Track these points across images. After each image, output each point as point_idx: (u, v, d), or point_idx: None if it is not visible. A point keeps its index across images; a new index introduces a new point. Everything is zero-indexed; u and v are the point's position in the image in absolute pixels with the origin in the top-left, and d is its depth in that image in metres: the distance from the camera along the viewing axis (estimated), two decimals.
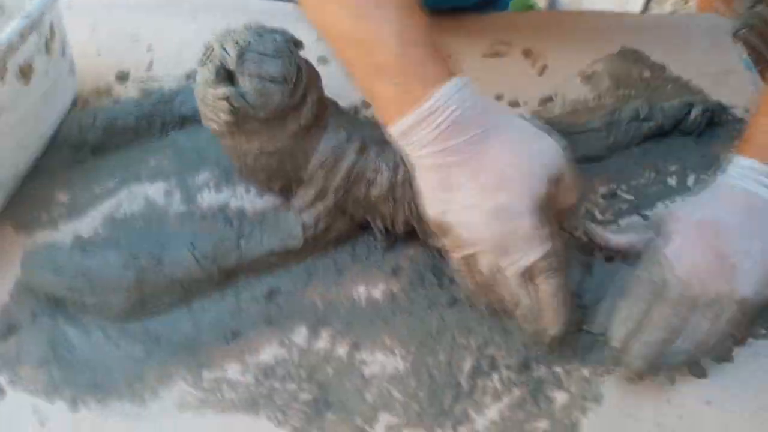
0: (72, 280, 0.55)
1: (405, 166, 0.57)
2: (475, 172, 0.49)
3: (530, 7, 1.62)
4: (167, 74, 0.79)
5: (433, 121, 0.48)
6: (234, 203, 0.66)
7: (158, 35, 0.84)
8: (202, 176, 0.68)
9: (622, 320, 0.52)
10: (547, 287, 0.50)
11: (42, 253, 0.57)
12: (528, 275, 0.49)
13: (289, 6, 0.88)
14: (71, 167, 0.69)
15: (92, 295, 0.55)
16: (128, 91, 0.77)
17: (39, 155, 0.68)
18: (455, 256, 0.53)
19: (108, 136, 0.69)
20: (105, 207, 0.65)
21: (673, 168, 0.70)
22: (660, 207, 0.66)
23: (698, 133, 0.72)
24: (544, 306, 0.50)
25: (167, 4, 0.88)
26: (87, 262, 0.56)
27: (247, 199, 0.67)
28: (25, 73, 0.62)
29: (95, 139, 0.69)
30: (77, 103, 0.75)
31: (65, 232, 0.63)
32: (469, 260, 0.52)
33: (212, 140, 0.71)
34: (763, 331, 0.57)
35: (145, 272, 0.56)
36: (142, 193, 0.67)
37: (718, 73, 0.81)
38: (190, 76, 0.79)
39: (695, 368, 0.54)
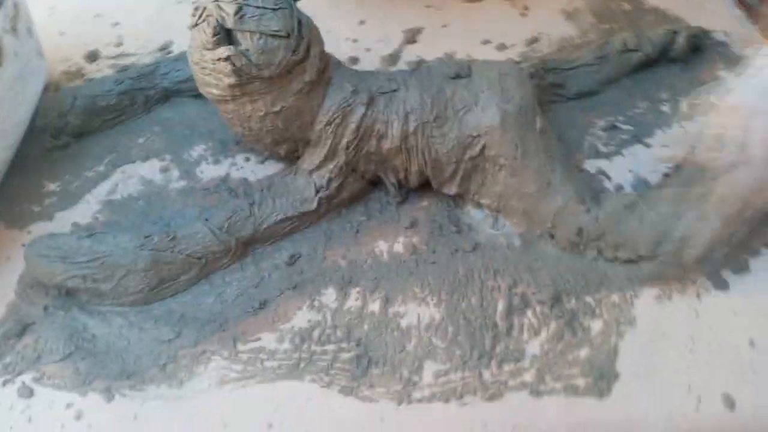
0: (85, 267, 0.52)
1: (415, 113, 0.56)
2: None
3: None
4: (140, 49, 0.75)
5: None
6: (235, 173, 0.64)
7: (123, 10, 0.80)
8: (197, 150, 0.66)
9: None
10: None
11: (47, 242, 0.53)
12: None
13: None
14: (54, 154, 0.65)
15: (108, 280, 0.53)
16: (100, 71, 0.73)
17: (19, 144, 0.64)
18: None
19: (89, 118, 0.66)
20: (99, 191, 0.62)
21: (664, 95, 0.71)
22: (659, 134, 0.67)
23: (684, 59, 0.73)
24: None
25: None
26: (98, 247, 0.53)
27: (248, 168, 0.64)
28: None
29: (76, 121, 0.65)
30: (47, 87, 0.70)
31: (61, 222, 0.60)
32: None
33: (201, 112, 0.68)
34: None
35: (160, 251, 0.54)
36: (136, 173, 0.63)
37: (694, 0, 0.82)
38: (165, 47, 0.75)
39: (718, 281, 0.56)
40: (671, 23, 0.78)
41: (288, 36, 0.52)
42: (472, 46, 0.76)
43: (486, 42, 0.77)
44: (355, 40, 0.77)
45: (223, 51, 0.51)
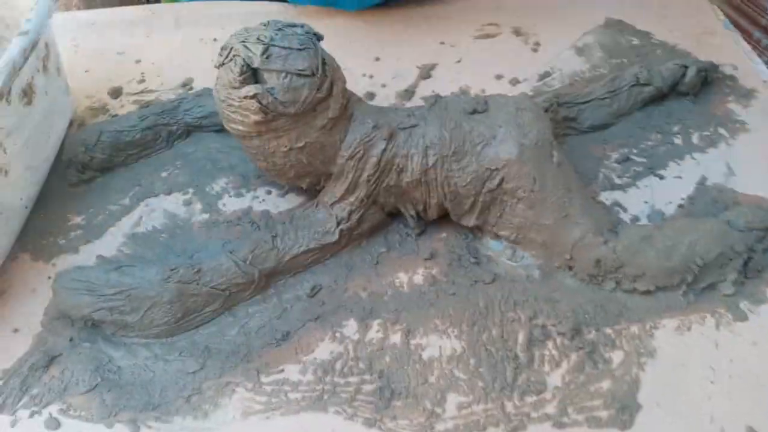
0: (111, 299, 0.53)
1: (435, 148, 0.57)
2: None
3: None
4: (161, 85, 0.77)
5: None
6: (257, 206, 0.65)
7: (144, 48, 0.82)
8: (219, 183, 0.67)
9: None
10: None
11: (75, 275, 0.54)
12: None
13: (275, 6, 0.87)
14: (79, 188, 0.66)
15: (134, 312, 0.53)
16: (124, 107, 0.75)
17: (45, 179, 0.65)
18: None
19: (114, 152, 0.67)
20: (124, 224, 0.63)
21: (676, 128, 0.73)
22: (672, 165, 0.68)
23: (695, 93, 0.75)
24: None
25: (149, 17, 0.86)
26: (124, 279, 0.54)
27: (270, 200, 0.66)
28: (27, 93, 0.60)
29: (102, 156, 0.67)
30: (72, 123, 0.72)
31: (86, 254, 0.61)
32: None
33: (222, 147, 0.70)
34: None
35: (185, 284, 0.54)
36: (160, 207, 0.65)
37: (701, 34, 0.84)
38: (186, 84, 0.77)
39: (737, 312, 0.56)
40: (680, 57, 0.79)
41: (313, 74, 0.54)
42: (486, 81, 0.78)
43: (499, 77, 0.79)
44: (371, 76, 0.79)
45: (250, 89, 0.53)
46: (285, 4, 0.88)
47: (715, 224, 0.58)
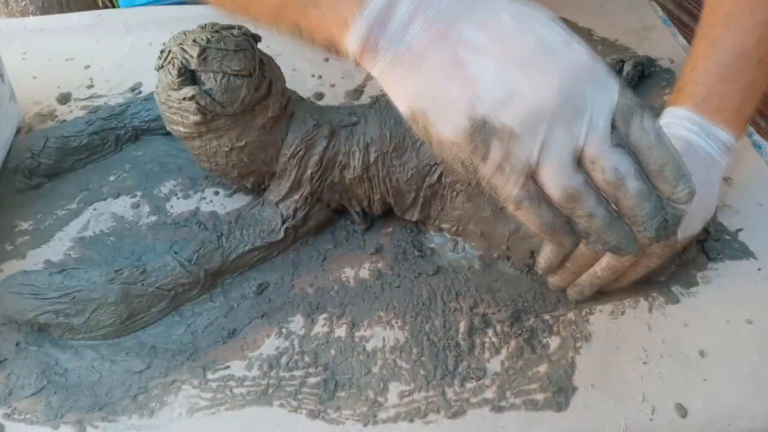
0: (57, 302, 0.54)
1: (375, 144, 0.59)
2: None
3: None
4: (110, 90, 0.78)
5: None
6: (205, 207, 0.66)
7: (94, 53, 0.82)
8: (167, 186, 0.68)
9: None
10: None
11: (20, 279, 0.54)
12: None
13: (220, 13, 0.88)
14: (27, 194, 0.66)
15: (80, 315, 0.54)
16: (72, 112, 0.75)
17: None
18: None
19: (62, 158, 0.68)
20: (71, 228, 0.64)
21: None
22: None
23: (632, 86, 0.78)
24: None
25: (98, 23, 0.86)
26: (69, 282, 0.54)
27: (217, 201, 0.67)
28: None
29: (49, 161, 0.67)
30: (20, 130, 0.72)
31: (33, 259, 0.61)
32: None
33: (170, 150, 0.71)
34: (720, 256, 0.62)
35: (130, 285, 0.55)
36: (108, 210, 0.65)
37: (640, 30, 0.87)
38: (135, 89, 0.78)
39: (669, 296, 0.58)
40: (620, 52, 0.82)
41: (250, 75, 0.55)
42: None
43: None
44: (320, 77, 0.80)
45: (188, 91, 0.53)
46: None
47: None
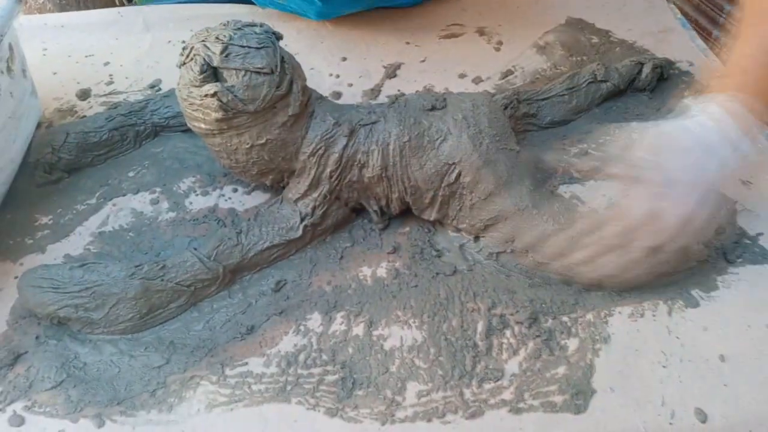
0: (77, 296, 0.54)
1: (395, 143, 0.59)
2: None
3: None
4: (130, 87, 0.78)
5: None
6: (223, 204, 0.66)
7: (113, 50, 0.83)
8: (186, 182, 0.68)
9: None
10: None
11: (40, 273, 0.55)
12: None
13: (243, 8, 0.89)
14: (47, 188, 0.67)
15: (99, 309, 0.54)
16: (92, 108, 0.75)
17: (12, 180, 0.66)
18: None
19: (81, 153, 0.68)
20: (91, 223, 0.64)
21: (633, 123, 0.75)
22: None
23: (651, 88, 0.77)
24: None
25: (118, 20, 0.87)
26: (89, 276, 0.55)
27: (236, 198, 0.67)
28: None
29: (69, 157, 0.67)
30: (40, 124, 0.73)
31: (53, 254, 0.62)
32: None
33: (189, 146, 0.71)
34: (740, 260, 0.62)
35: (150, 280, 0.55)
36: (127, 206, 0.66)
37: (659, 32, 0.86)
38: (155, 86, 0.78)
39: (689, 299, 0.58)
40: (638, 54, 0.82)
41: (272, 72, 0.55)
42: (450, 80, 0.80)
43: (462, 75, 0.80)
44: (338, 76, 0.80)
45: (210, 88, 0.54)
46: (253, 6, 0.89)
47: None
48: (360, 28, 0.87)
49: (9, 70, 0.64)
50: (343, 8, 0.84)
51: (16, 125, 0.65)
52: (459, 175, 0.58)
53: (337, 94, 0.78)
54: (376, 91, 0.78)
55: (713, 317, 0.57)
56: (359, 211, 0.65)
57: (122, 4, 1.08)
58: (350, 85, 0.79)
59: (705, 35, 0.93)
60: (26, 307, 0.56)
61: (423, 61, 0.83)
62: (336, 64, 0.82)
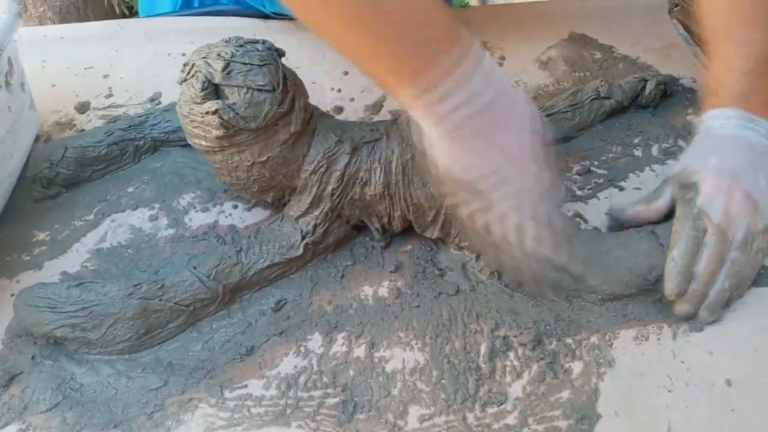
0: (73, 316, 0.53)
1: (397, 161, 0.58)
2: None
3: (464, 6, 1.67)
4: (129, 100, 0.77)
5: (468, 80, 0.47)
6: (223, 221, 0.65)
7: (113, 63, 0.83)
8: (186, 198, 0.67)
9: (675, 273, 0.56)
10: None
11: (37, 292, 0.54)
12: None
13: (245, 21, 0.88)
14: (44, 203, 0.66)
15: (96, 329, 0.53)
16: (91, 121, 0.75)
17: (9, 195, 0.65)
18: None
19: (80, 168, 0.67)
20: (89, 240, 0.63)
21: (636, 140, 0.74)
22: (632, 177, 0.70)
23: (654, 105, 0.77)
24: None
25: (118, 32, 0.86)
26: (86, 296, 0.54)
27: (236, 215, 0.66)
28: None
29: (67, 172, 0.66)
30: (38, 138, 0.72)
31: (50, 270, 0.61)
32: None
33: (189, 162, 0.70)
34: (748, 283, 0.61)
35: (148, 300, 0.54)
36: (125, 222, 0.65)
37: (662, 48, 0.86)
38: (155, 99, 0.77)
39: (693, 323, 0.57)
40: (641, 71, 0.81)
41: (274, 90, 0.54)
42: None
43: None
44: (339, 90, 0.80)
45: (211, 105, 0.53)
46: (254, 19, 0.88)
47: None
48: None
49: (7, 84, 0.63)
50: None
51: (14, 139, 0.65)
52: None
53: (339, 109, 0.77)
54: (377, 106, 0.78)
55: (719, 341, 0.56)
56: (361, 228, 0.64)
57: (123, 14, 1.08)
58: (352, 99, 0.79)
59: (707, 51, 0.93)
60: (22, 326, 0.55)
61: None
62: (338, 78, 0.82)
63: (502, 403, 0.52)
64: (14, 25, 0.61)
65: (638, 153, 0.73)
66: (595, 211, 0.66)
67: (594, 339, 0.57)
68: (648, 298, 0.58)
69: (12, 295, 0.58)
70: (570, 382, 0.54)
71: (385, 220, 0.62)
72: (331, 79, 0.81)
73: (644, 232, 0.60)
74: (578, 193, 0.68)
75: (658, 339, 0.56)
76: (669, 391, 0.53)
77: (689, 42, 0.88)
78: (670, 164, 0.71)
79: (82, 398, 0.52)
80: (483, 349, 0.56)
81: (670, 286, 0.56)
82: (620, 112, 0.77)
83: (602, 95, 0.75)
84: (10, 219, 0.64)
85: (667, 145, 0.73)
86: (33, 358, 0.54)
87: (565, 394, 0.53)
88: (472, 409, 0.52)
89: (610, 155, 0.73)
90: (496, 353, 0.55)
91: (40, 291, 0.54)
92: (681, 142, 0.74)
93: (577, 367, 0.55)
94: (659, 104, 0.78)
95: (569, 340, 0.56)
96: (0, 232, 0.63)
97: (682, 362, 0.55)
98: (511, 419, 0.51)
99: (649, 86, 0.76)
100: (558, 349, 0.56)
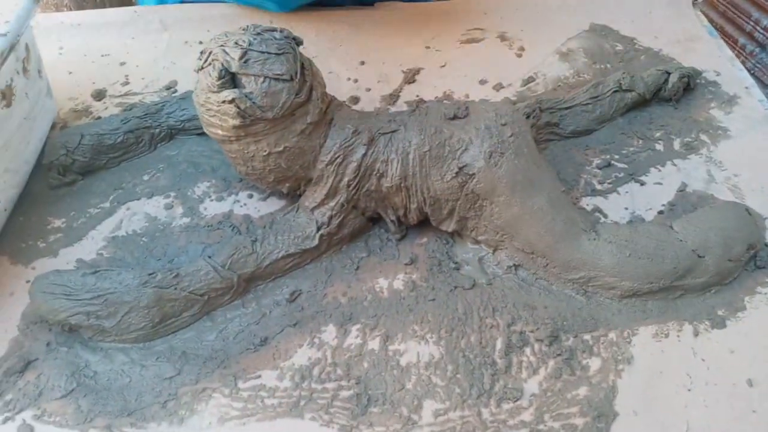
0: (89, 304, 0.53)
1: (414, 153, 0.57)
2: None
3: None
4: (145, 88, 0.77)
5: None
6: (238, 210, 0.65)
7: (130, 51, 0.82)
8: (201, 187, 0.67)
9: None
10: None
11: (52, 279, 0.54)
12: None
13: (260, 11, 0.87)
14: (60, 190, 0.66)
15: (111, 317, 0.53)
16: (107, 109, 0.74)
17: (26, 181, 0.65)
18: None
19: (96, 155, 0.67)
20: (104, 227, 0.63)
21: (658, 134, 0.73)
22: (653, 171, 0.69)
23: (677, 98, 0.75)
24: None
25: (135, 20, 0.86)
26: (102, 284, 0.54)
27: (251, 205, 0.66)
28: (6, 95, 0.59)
29: (83, 159, 0.66)
30: (54, 125, 0.72)
31: (65, 258, 0.61)
32: None
33: (205, 150, 0.70)
34: None
35: (163, 288, 0.54)
36: (141, 210, 0.65)
37: (685, 41, 0.84)
38: (170, 87, 0.77)
39: (715, 320, 0.56)
40: (663, 63, 0.80)
41: (291, 79, 0.54)
42: (470, 86, 0.78)
43: (483, 82, 0.79)
44: (356, 80, 0.79)
45: (228, 94, 0.52)
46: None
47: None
48: (379, 31, 0.86)
49: (25, 70, 0.63)
50: None
51: (31, 126, 0.65)
52: (479, 185, 0.57)
53: (355, 99, 0.76)
54: (394, 97, 0.77)
55: (741, 339, 0.55)
56: (376, 220, 0.63)
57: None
58: (368, 89, 0.78)
59: (731, 43, 0.91)
60: (38, 314, 0.55)
61: (443, 66, 0.81)
62: (354, 68, 0.81)
63: (517, 399, 0.52)
64: (31, 11, 0.61)
65: (660, 147, 0.71)
66: (615, 206, 0.65)
67: (612, 336, 0.56)
68: (668, 296, 0.57)
69: (27, 281, 0.58)
70: (587, 379, 0.53)
71: (401, 212, 0.61)
72: (347, 69, 0.80)
73: (661, 227, 0.59)
74: (598, 187, 0.67)
75: (678, 336, 0.55)
76: (688, 390, 0.52)
77: (713, 34, 0.86)
78: (692, 159, 0.70)
79: (97, 386, 0.52)
80: (499, 344, 0.55)
81: None
82: (642, 105, 0.75)
83: (624, 87, 0.73)
84: (26, 206, 0.64)
85: (690, 139, 0.72)
86: (48, 344, 0.54)
87: (582, 391, 0.52)
88: (488, 404, 0.51)
89: (631, 149, 0.71)
90: (512, 348, 0.55)
91: (55, 278, 0.54)
92: (703, 137, 0.72)
93: (594, 363, 0.54)
94: (681, 98, 0.76)
95: (587, 337, 0.56)
96: (16, 218, 0.63)
97: (703, 360, 0.54)
98: (526, 415, 0.51)
99: (672, 79, 0.74)
100: (575, 346, 0.55)
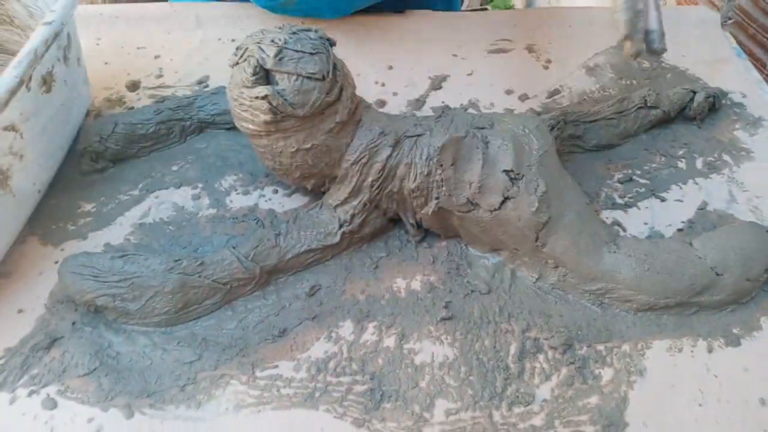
0: (115, 286, 0.55)
1: (438, 156, 0.58)
2: None
3: (509, 7, 1.66)
4: (178, 81, 0.79)
5: None
6: (263, 204, 0.66)
7: (164, 44, 0.84)
8: (228, 180, 0.69)
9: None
10: None
11: (81, 260, 0.56)
12: None
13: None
14: (92, 176, 0.68)
15: (136, 300, 0.55)
16: (140, 100, 0.77)
17: (59, 166, 0.67)
18: None
19: (128, 144, 0.69)
20: (132, 214, 0.65)
21: (680, 152, 0.73)
22: (674, 189, 0.69)
23: (702, 118, 0.76)
24: None
25: (171, 15, 0.88)
26: (129, 267, 0.55)
27: (276, 199, 0.67)
28: (47, 81, 0.61)
29: (116, 147, 0.68)
30: (89, 113, 0.74)
31: (94, 241, 0.63)
32: None
33: (233, 144, 0.72)
34: None
35: (188, 275, 0.56)
36: (169, 199, 0.66)
37: (713, 61, 0.84)
38: (202, 82, 0.79)
39: (730, 337, 0.56)
40: (689, 82, 0.80)
41: (323, 78, 0.55)
42: (496, 95, 0.79)
43: (509, 92, 0.80)
44: (383, 84, 0.80)
45: (262, 90, 0.54)
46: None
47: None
48: (408, 37, 0.87)
49: (65, 58, 0.65)
50: (357, 2, 0.84)
51: (67, 113, 0.67)
52: (505, 200, 0.58)
53: (382, 102, 0.78)
54: (420, 102, 0.78)
55: (755, 358, 0.56)
56: (397, 221, 0.65)
57: None
58: (395, 94, 0.79)
59: (759, 66, 0.91)
60: (65, 293, 0.56)
61: (470, 74, 0.82)
62: (382, 71, 0.82)
63: (528, 404, 0.52)
64: (76, 2, 0.63)
65: (682, 165, 0.72)
66: (635, 220, 0.66)
67: (626, 347, 0.56)
68: (684, 312, 0.58)
69: (56, 262, 0.60)
70: (599, 388, 0.53)
71: (420, 215, 0.62)
72: (375, 72, 0.82)
73: (681, 243, 0.59)
74: (618, 201, 0.68)
75: (692, 352, 0.56)
76: (700, 405, 0.53)
77: (741, 56, 0.86)
78: (714, 178, 0.70)
79: (118, 366, 0.53)
80: (513, 349, 0.56)
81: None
82: (666, 123, 0.76)
83: (649, 104, 0.74)
84: (58, 189, 0.66)
85: (712, 159, 0.72)
86: (73, 324, 0.56)
87: (594, 400, 0.53)
88: (499, 407, 0.52)
89: (653, 165, 0.72)
90: (525, 354, 0.55)
91: (84, 260, 0.56)
92: (726, 157, 0.72)
93: (607, 373, 0.54)
94: (706, 117, 0.76)
95: (600, 347, 0.56)
96: (48, 201, 0.65)
97: (716, 377, 0.54)
98: (537, 420, 0.51)
99: (698, 98, 0.75)
100: (588, 355, 0.56)
